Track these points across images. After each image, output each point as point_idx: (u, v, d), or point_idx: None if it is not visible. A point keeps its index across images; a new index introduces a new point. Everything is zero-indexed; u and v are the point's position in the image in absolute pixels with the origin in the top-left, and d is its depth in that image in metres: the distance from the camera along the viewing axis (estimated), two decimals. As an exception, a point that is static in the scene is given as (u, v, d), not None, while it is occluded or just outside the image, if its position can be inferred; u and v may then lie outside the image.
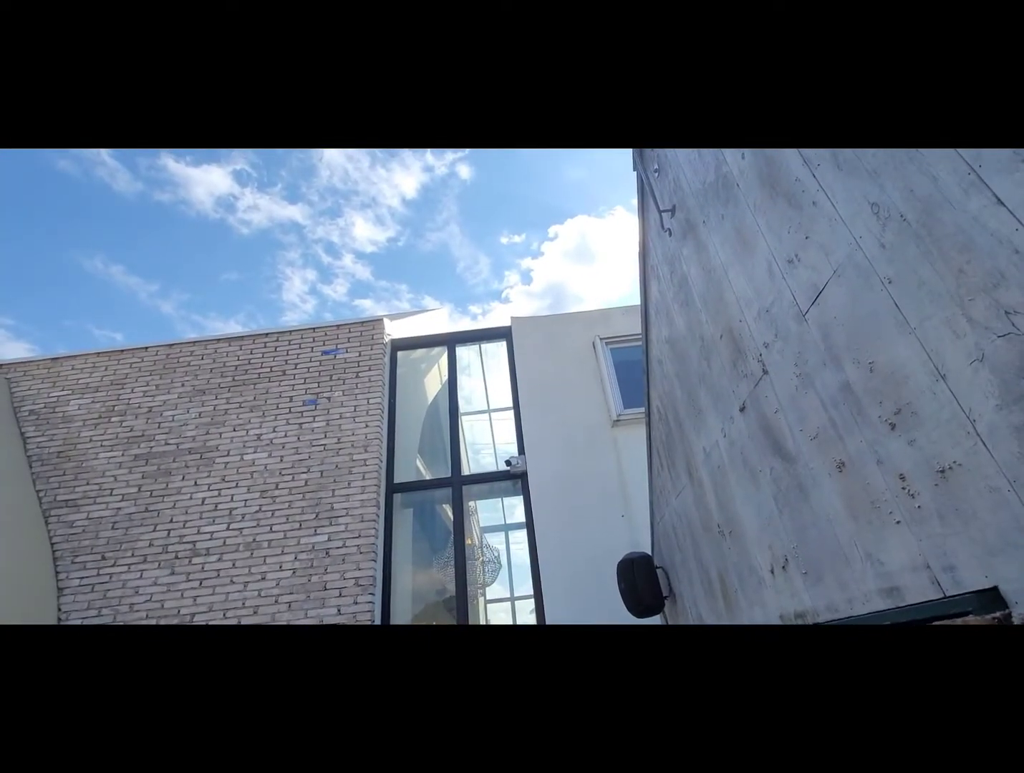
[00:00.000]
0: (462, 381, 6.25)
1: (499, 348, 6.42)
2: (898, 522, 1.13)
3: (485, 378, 7.27)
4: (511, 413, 6.00)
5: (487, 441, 6.62)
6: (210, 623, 4.32)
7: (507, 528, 6.98)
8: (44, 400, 5.61)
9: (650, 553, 2.89)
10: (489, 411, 6.64)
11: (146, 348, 5.96)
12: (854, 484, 1.26)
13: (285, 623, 4.29)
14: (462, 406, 5.98)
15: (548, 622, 4.47)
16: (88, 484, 5.09)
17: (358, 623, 4.28)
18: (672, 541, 2.53)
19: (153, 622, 4.36)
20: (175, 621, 4.35)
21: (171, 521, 4.84)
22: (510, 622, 6.44)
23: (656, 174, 2.29)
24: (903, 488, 1.10)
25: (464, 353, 6.50)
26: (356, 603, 4.39)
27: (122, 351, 5.95)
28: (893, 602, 1.17)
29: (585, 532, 4.81)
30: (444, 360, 6.33)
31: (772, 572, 1.57)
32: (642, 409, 5.32)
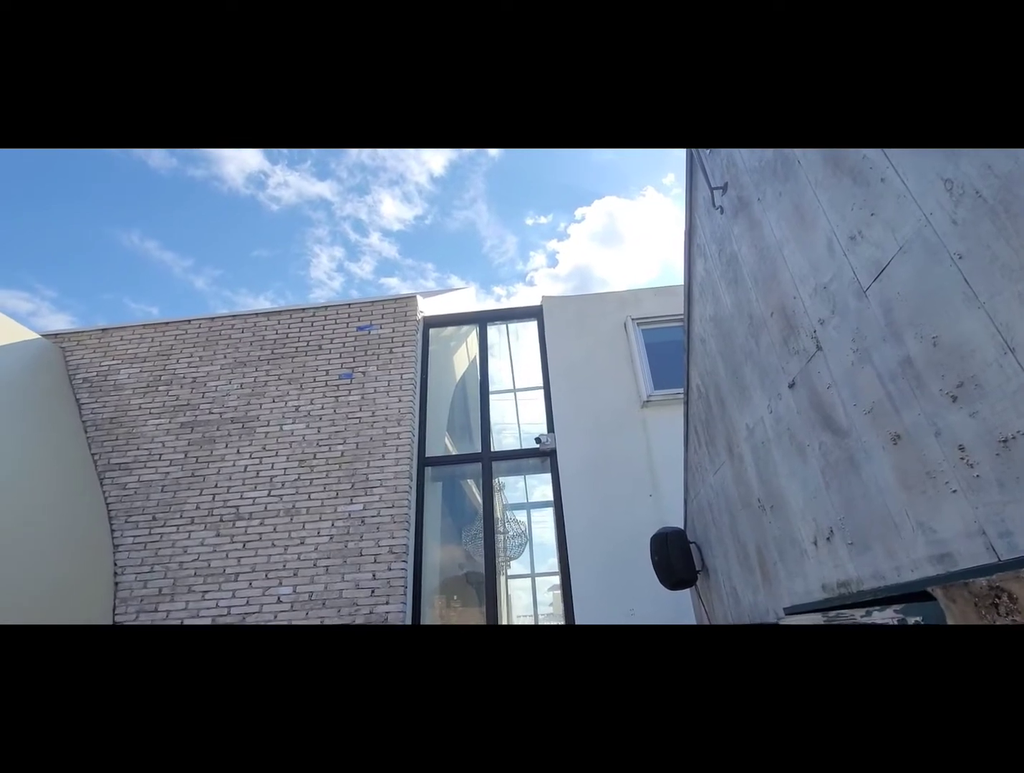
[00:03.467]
0: (490, 360, 6.33)
1: (526, 328, 6.47)
2: (954, 491, 1.17)
3: (512, 358, 7.34)
4: (537, 393, 6.08)
5: (511, 421, 6.71)
6: (252, 582, 4.56)
7: (530, 507, 7.12)
8: (96, 369, 5.88)
9: (683, 528, 2.94)
10: (515, 391, 6.72)
11: (189, 321, 6.17)
12: (909, 456, 1.30)
13: (323, 585, 4.50)
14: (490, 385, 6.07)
15: (574, 598, 4.59)
16: (138, 449, 5.35)
17: (389, 601, 4.46)
18: (707, 517, 2.59)
19: (201, 579, 4.62)
20: (221, 579, 4.60)
21: (216, 486, 5.07)
22: (530, 596, 6.60)
23: (708, 152, 2.29)
24: (961, 458, 1.14)
25: (492, 332, 6.56)
26: (390, 569, 4.57)
27: (167, 323, 6.18)
28: (944, 567, 1.22)
29: (612, 510, 4.89)
30: (474, 338, 6.41)
31: (815, 544, 1.62)
32: (672, 390, 5.33)
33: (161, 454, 5.30)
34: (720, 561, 2.43)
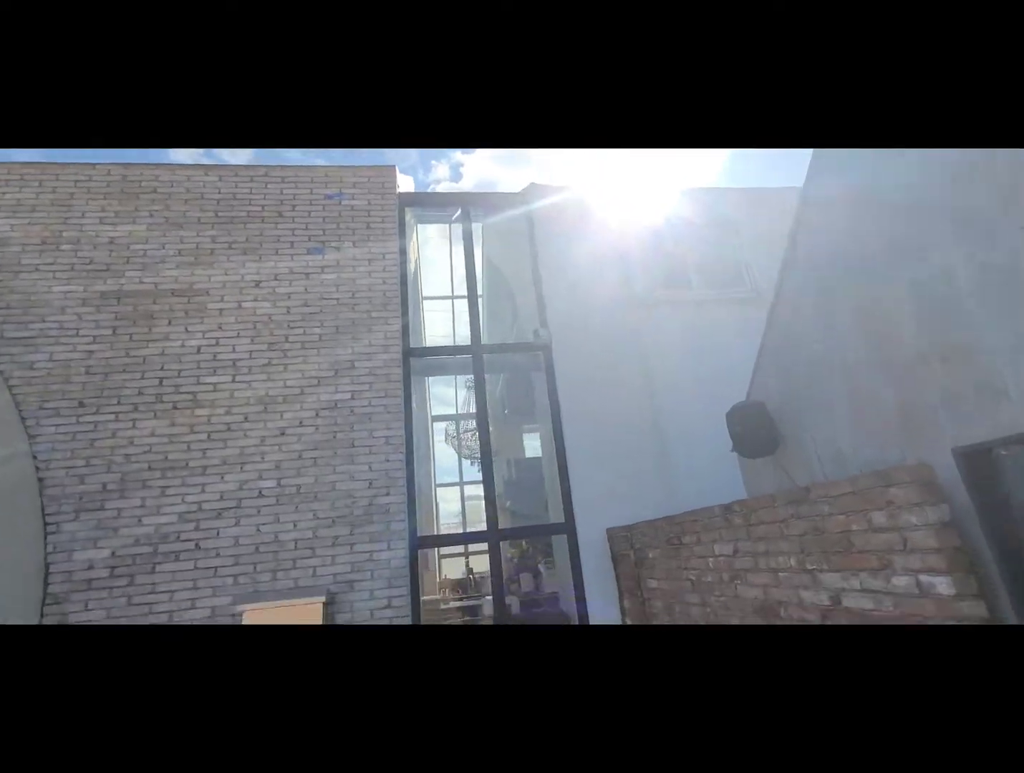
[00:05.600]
0: (462, 251, 5.82)
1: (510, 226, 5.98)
2: None
3: (484, 252, 6.86)
4: (526, 290, 5.77)
5: (504, 317, 6.38)
6: (225, 476, 4.01)
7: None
8: (-37, 213, 4.46)
9: (762, 402, 2.96)
10: (471, 295, 6.33)
11: (94, 166, 4.83)
12: None
13: (313, 478, 4.09)
14: (464, 281, 5.62)
15: (571, 482, 4.66)
16: (44, 322, 4.26)
17: (389, 492, 4.18)
18: (798, 389, 2.61)
19: (158, 474, 3.95)
20: (184, 473, 3.98)
21: (162, 370, 4.25)
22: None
23: None
24: None
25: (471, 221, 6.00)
26: (388, 461, 4.26)
27: (62, 166, 4.78)
28: None
29: (606, 404, 4.94)
30: (457, 228, 5.83)
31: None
32: (670, 289, 5.35)
33: (79, 329, 4.28)
34: (815, 428, 2.50)
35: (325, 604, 3.70)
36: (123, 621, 3.57)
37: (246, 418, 4.21)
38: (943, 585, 1.66)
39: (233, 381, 4.30)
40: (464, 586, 8.77)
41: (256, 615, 3.57)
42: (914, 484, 1.74)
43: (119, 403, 4.11)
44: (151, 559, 3.75)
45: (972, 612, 1.61)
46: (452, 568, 9.80)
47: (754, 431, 2.61)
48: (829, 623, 2.16)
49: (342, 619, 3.77)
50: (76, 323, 4.29)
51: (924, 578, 1.72)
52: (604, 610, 4.30)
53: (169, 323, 4.40)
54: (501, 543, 4.56)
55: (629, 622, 4.17)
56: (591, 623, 4.28)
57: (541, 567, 7.87)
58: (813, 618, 2.25)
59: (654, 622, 3.93)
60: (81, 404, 4.07)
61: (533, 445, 9.88)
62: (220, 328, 4.44)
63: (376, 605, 3.85)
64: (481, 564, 9.67)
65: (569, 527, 4.61)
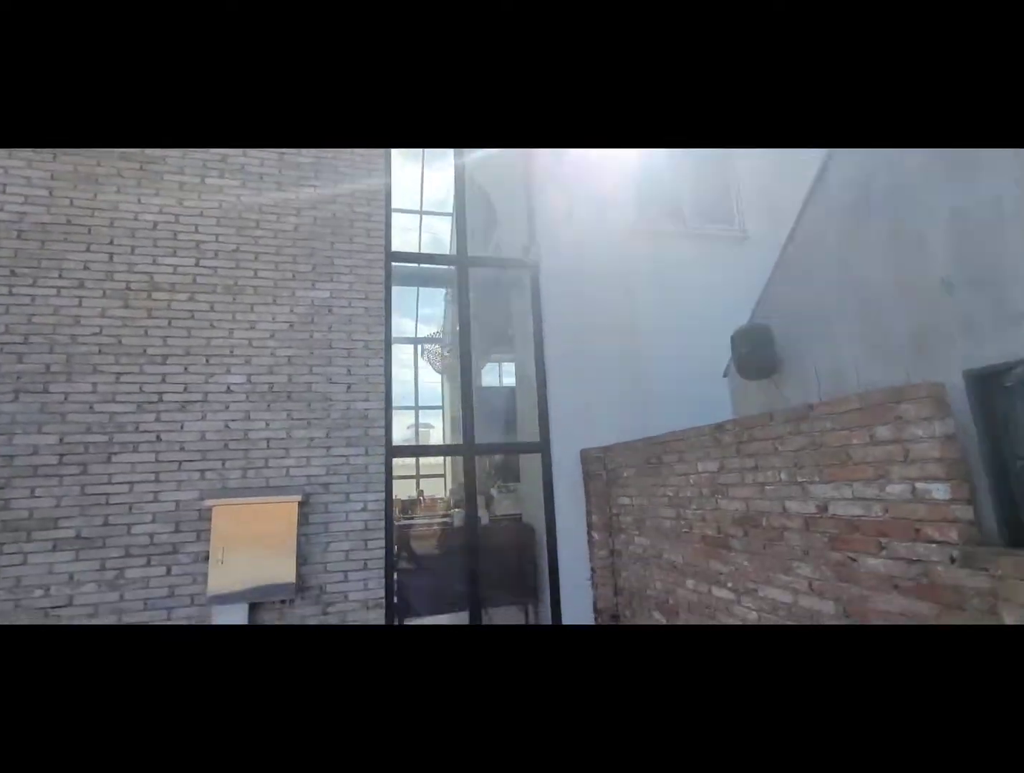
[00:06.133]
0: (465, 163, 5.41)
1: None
2: None
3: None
4: (512, 207, 5.49)
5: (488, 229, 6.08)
6: (189, 367, 3.71)
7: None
8: None
9: (767, 325, 3.02)
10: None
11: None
12: None
13: (286, 377, 3.87)
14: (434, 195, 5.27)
15: (550, 404, 4.70)
16: (-41, 170, 3.62)
17: (368, 398, 4.03)
18: (809, 313, 2.67)
19: (111, 358, 3.59)
20: (142, 360, 3.64)
21: (112, 244, 3.77)
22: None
23: None
24: None
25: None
26: (368, 366, 4.09)
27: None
28: None
29: (588, 331, 4.92)
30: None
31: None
32: (657, 221, 5.26)
33: (5, 185, 3.67)
34: (819, 351, 2.58)
35: (300, 504, 3.62)
36: (76, 510, 3.35)
37: (212, 307, 3.86)
38: (939, 491, 1.80)
39: (197, 265, 3.90)
40: (411, 507, 8.92)
41: (226, 511, 3.45)
42: (928, 399, 1.84)
43: (60, 277, 3.63)
44: (106, 448, 3.48)
45: (961, 515, 1.77)
46: (401, 489, 9.94)
47: (759, 353, 2.68)
48: (811, 530, 2.33)
49: (316, 519, 3.72)
50: (2, 177, 3.67)
51: (920, 485, 1.86)
52: (572, 523, 4.51)
53: (118, 191, 3.85)
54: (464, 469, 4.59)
55: (595, 536, 4.39)
56: (557, 532, 4.48)
57: (494, 492, 8.12)
58: (794, 525, 2.42)
59: (621, 536, 4.16)
60: (13, 273, 3.56)
61: (490, 378, 9.90)
62: (181, 204, 3.95)
63: (352, 508, 3.82)
64: (432, 487, 9.90)
65: (544, 446, 4.70)
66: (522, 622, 4.83)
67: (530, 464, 5.36)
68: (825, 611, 2.24)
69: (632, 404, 4.85)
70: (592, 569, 4.43)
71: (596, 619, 4.36)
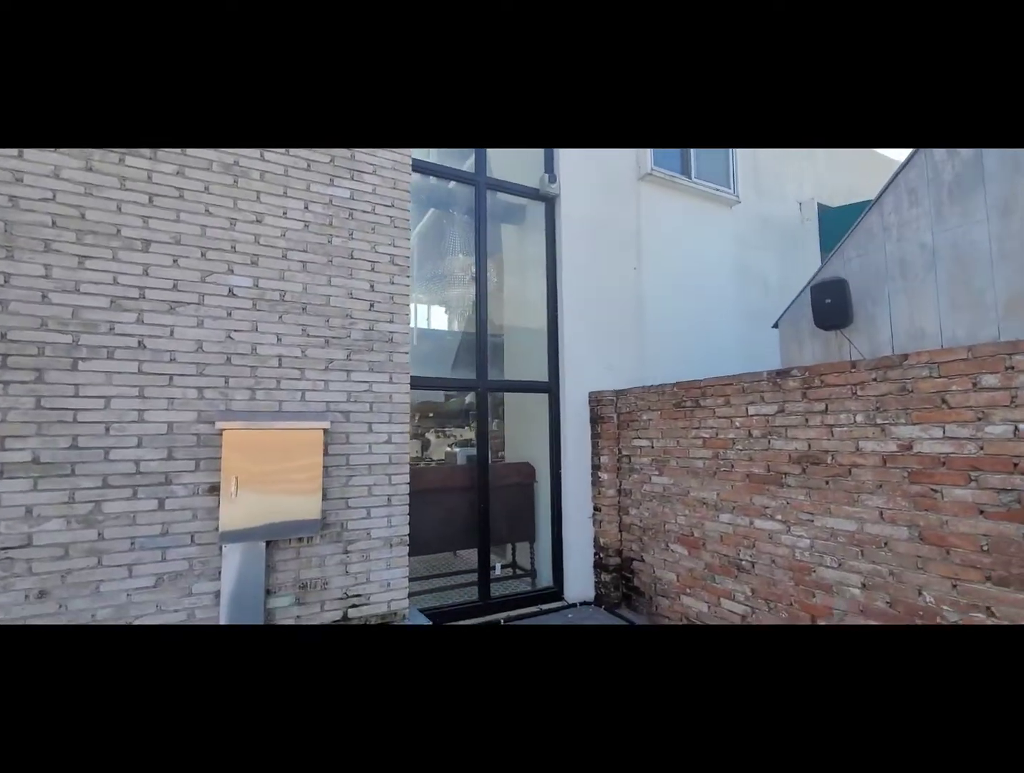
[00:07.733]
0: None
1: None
2: None
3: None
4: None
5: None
6: (179, 260, 2.98)
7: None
8: None
9: (844, 279, 3.17)
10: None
11: None
12: None
13: (301, 286, 3.29)
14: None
15: (562, 345, 4.62)
16: None
17: (393, 319, 3.60)
18: (893, 272, 2.86)
19: (72, 236, 2.75)
20: (115, 243, 2.84)
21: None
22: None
23: None
24: None
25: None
26: (393, 283, 3.63)
27: None
28: None
29: (600, 272, 4.86)
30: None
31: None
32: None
33: None
34: (898, 308, 2.80)
35: (325, 431, 3.19)
36: (31, 428, 2.59)
37: (207, 188, 3.10)
38: (1045, 431, 2.09)
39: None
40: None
41: (240, 436, 2.92)
42: (1046, 351, 2.10)
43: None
44: (70, 352, 2.71)
45: (1060, 452, 2.07)
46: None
47: (838, 305, 2.85)
48: (887, 466, 2.60)
49: (336, 451, 3.31)
50: None
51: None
52: (577, 463, 4.56)
53: (69, 8, 2.85)
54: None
55: (603, 476, 4.50)
56: (561, 472, 4.51)
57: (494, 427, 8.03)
58: (868, 463, 2.68)
59: (632, 476, 4.30)
60: (-89, 94, 2.50)
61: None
62: (160, 45, 3.04)
63: (375, 439, 3.45)
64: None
65: (553, 386, 4.63)
66: (526, 558, 4.86)
67: (520, 404, 5.28)
68: (897, 536, 2.54)
69: (634, 352, 4.94)
70: (596, 507, 4.56)
71: (597, 555, 4.53)
